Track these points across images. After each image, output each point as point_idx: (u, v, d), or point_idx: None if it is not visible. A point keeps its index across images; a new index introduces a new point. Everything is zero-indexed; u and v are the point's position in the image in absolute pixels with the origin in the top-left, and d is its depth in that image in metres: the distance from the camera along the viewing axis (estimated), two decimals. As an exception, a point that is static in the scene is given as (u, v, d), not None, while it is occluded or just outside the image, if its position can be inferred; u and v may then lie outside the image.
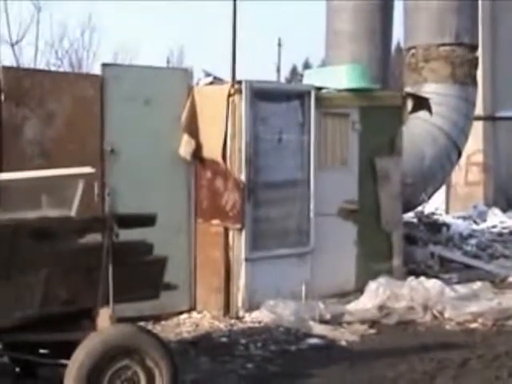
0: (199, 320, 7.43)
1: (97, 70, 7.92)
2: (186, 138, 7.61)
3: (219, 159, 7.54)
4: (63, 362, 4.63)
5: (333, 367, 5.97)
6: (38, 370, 5.35)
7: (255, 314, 7.37)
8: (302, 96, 7.96)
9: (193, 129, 7.64)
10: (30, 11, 21.66)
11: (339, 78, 8.49)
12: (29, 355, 4.97)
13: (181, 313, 7.57)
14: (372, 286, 7.79)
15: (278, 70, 38.28)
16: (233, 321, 7.36)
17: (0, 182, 5.05)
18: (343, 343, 6.72)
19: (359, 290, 8.00)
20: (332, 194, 8.13)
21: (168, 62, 32.19)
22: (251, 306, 7.48)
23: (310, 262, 7.98)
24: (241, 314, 7.46)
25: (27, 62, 19.93)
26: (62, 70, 18.93)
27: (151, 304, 5.91)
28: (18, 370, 5.34)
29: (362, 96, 8.42)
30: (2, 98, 6.60)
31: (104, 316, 4.75)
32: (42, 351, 5.09)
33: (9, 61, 17.62)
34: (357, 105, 8.39)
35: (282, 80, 35.58)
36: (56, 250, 4.61)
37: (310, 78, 8.96)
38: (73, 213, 4.92)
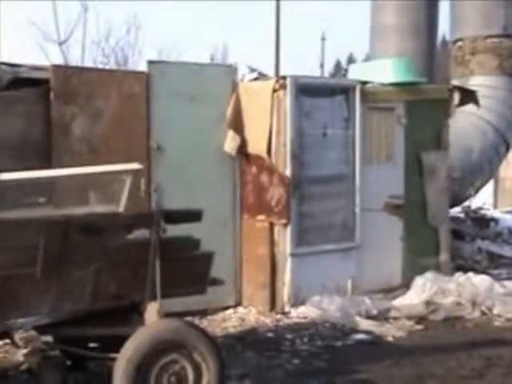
0: (245, 315, 7.46)
1: (142, 67, 7.98)
2: (231, 133, 7.63)
3: (264, 155, 7.55)
4: (112, 355, 4.69)
5: (379, 363, 5.93)
6: (87, 363, 5.44)
7: (301, 310, 7.37)
8: (346, 90, 7.92)
9: (238, 124, 7.65)
10: (78, 10, 21.91)
11: (385, 71, 8.42)
12: (79, 349, 5.06)
13: (227, 308, 7.61)
14: (419, 281, 7.73)
15: (322, 65, 38.13)
16: (278, 316, 7.37)
17: (50, 178, 5.13)
18: (390, 339, 6.69)
19: (405, 286, 7.95)
20: (377, 188, 8.08)
21: (212, 58, 32.28)
22: (297, 302, 7.48)
23: (355, 258, 7.95)
24: (286, 309, 7.46)
25: (74, 60, 20.17)
26: (108, 67, 19.08)
27: (198, 299, 5.94)
28: (68, 362, 5.45)
29: (407, 90, 8.35)
30: (52, 96, 6.70)
31: (152, 311, 4.81)
32: (91, 345, 5.17)
33: (57, 59, 17.85)
34: (402, 99, 8.32)
35: (326, 75, 35.44)
36: (105, 245, 4.67)
37: (355, 73, 8.91)
38: (121, 209, 4.98)
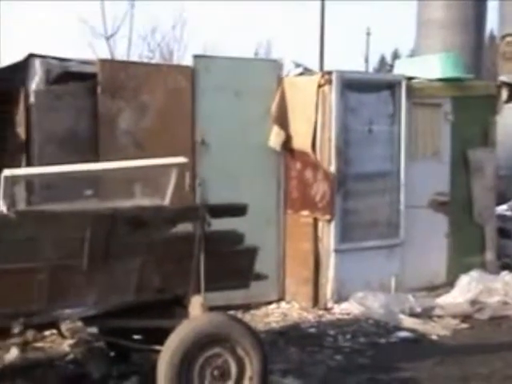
0: (288, 310, 7.46)
1: (187, 62, 8.01)
2: (275, 128, 7.62)
3: (309, 150, 7.52)
4: (156, 348, 4.73)
5: (423, 361, 5.87)
6: (131, 355, 5.50)
7: (344, 306, 7.34)
8: (392, 86, 7.85)
9: (283, 120, 7.64)
10: (125, 6, 22.15)
11: (431, 67, 8.33)
12: (123, 340, 5.11)
13: (269, 303, 7.61)
14: (464, 279, 7.64)
15: (367, 60, 37.89)
16: (321, 312, 7.35)
17: (97, 171, 5.18)
18: (434, 337, 6.62)
19: (450, 284, 7.86)
20: (423, 185, 8.01)
21: (256, 54, 32.31)
22: (340, 298, 7.46)
23: (399, 255, 7.89)
24: (329, 305, 7.44)
25: (121, 54, 20.38)
26: (154, 62, 19.23)
27: (241, 293, 5.98)
28: (112, 354, 5.52)
29: (454, 86, 8.24)
30: (99, 90, 6.77)
31: (196, 304, 4.83)
32: (135, 337, 5.22)
33: (103, 54, 18.06)
34: (449, 95, 8.22)
35: (370, 70, 35.16)
36: (150, 238, 4.70)
37: (401, 68, 8.82)
38: (166, 202, 5.01)
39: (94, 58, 7.14)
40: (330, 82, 7.41)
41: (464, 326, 6.99)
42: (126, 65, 7.45)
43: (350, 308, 7.29)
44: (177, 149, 6.76)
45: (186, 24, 25.70)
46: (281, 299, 7.75)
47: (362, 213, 7.72)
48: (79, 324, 4.94)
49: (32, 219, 4.35)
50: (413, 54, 15.27)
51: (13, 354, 5.62)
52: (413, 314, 7.11)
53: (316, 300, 7.54)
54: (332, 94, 7.40)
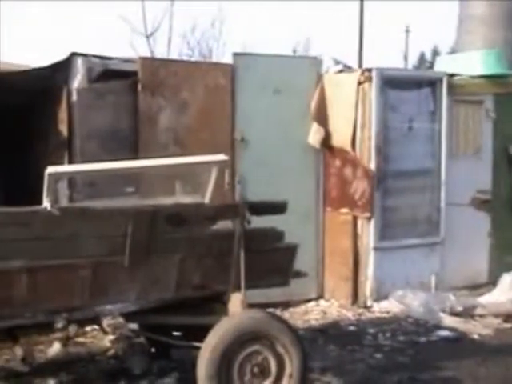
0: (327, 308, 7.45)
1: (226, 59, 8.02)
2: (315, 126, 7.61)
3: (348, 148, 7.49)
4: (196, 344, 4.75)
5: (465, 361, 5.82)
6: (171, 351, 5.53)
7: (383, 304, 7.31)
8: (433, 83, 7.78)
9: (322, 117, 7.62)
10: (164, 4, 22.29)
11: (473, 63, 8.23)
12: (163, 337, 5.14)
13: (309, 300, 7.61)
14: (506, 278, 7.53)
15: (406, 57, 37.55)
16: (361, 310, 7.33)
17: (138, 168, 5.22)
18: (475, 337, 6.55)
19: (491, 283, 7.78)
20: (464, 183, 7.92)
21: (294, 52, 32.22)
22: (379, 296, 7.42)
23: (440, 253, 7.82)
24: (369, 303, 7.41)
25: (160, 52, 20.50)
26: (193, 59, 19.30)
27: (280, 291, 5.96)
28: (153, 350, 5.56)
29: (497, 82, 8.13)
30: (140, 87, 6.83)
31: (235, 301, 4.84)
32: (175, 333, 5.25)
33: (143, 52, 18.17)
34: (491, 91, 8.12)
35: (410, 67, 34.84)
36: (190, 235, 4.72)
37: (442, 65, 8.74)
38: (206, 200, 5.02)
39: (134, 56, 7.16)
40: (369, 79, 7.37)
41: (506, 325, 6.91)
42: (167, 62, 7.48)
43: (389, 306, 7.25)
44: (216, 146, 6.79)
45: (225, 22, 25.73)
46: (320, 297, 7.75)
47: (401, 210, 7.67)
48: (120, 320, 5.00)
49: (75, 216, 4.39)
50: (453, 51, 15.08)
51: (55, 348, 5.71)
52: (453, 313, 7.04)
53: (355, 298, 7.52)
54: (372, 91, 7.36)
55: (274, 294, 6.30)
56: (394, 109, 7.55)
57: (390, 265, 7.50)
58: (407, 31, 38.28)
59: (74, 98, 6.66)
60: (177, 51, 23.32)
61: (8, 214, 4.23)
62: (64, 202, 5.94)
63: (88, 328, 5.99)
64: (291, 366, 4.62)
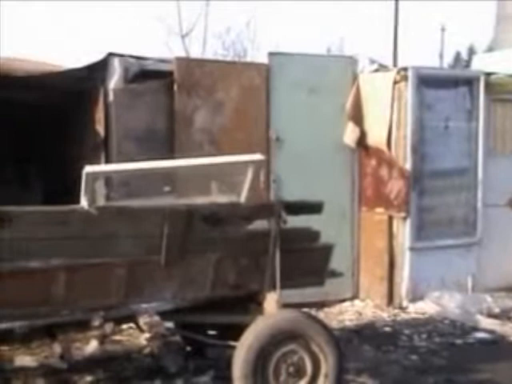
0: (362, 308, 7.42)
1: (260, 59, 8.02)
2: (350, 125, 7.58)
3: (384, 147, 7.45)
4: (231, 343, 4.76)
5: (502, 363, 5.75)
6: (206, 349, 5.55)
7: (419, 305, 7.26)
8: (470, 82, 7.70)
9: (357, 116, 7.59)
10: (200, 4, 22.38)
11: (511, 62, 8.13)
12: (199, 335, 5.17)
13: (343, 300, 7.58)
14: (544, 280, 7.44)
15: (441, 56, 37.17)
16: (396, 311, 7.29)
17: (174, 168, 5.24)
18: (513, 339, 6.49)
19: (529, 285, 7.68)
20: (501, 183, 7.85)
21: (328, 51, 32.09)
22: (415, 297, 7.38)
23: (476, 254, 7.75)
24: (404, 304, 7.37)
25: (195, 53, 20.58)
26: (228, 59, 19.34)
27: (315, 290, 5.95)
28: (188, 348, 5.59)
29: (535, 81, 8.02)
30: (175, 87, 6.86)
31: (271, 301, 4.84)
32: (210, 332, 5.27)
33: (179, 52, 18.24)
34: (530, 90, 8.01)
35: (445, 66, 34.51)
36: (226, 235, 4.73)
37: (479, 63, 8.65)
38: (242, 199, 5.02)
39: (170, 57, 7.19)
40: (405, 78, 7.33)
41: (545, 328, 6.82)
42: (202, 62, 7.50)
43: (425, 307, 7.21)
44: (251, 146, 6.80)
45: (259, 23, 25.78)
46: (355, 297, 7.72)
47: (437, 210, 7.61)
48: (156, 318, 5.02)
49: (112, 215, 4.41)
50: (490, 50, 14.92)
51: (92, 346, 5.77)
52: (491, 315, 6.98)
53: (390, 298, 7.47)
54: (408, 90, 7.31)
55: (309, 293, 6.28)
56: (430, 108, 7.50)
57: (425, 265, 7.44)
58: (443, 30, 37.88)
59: (111, 98, 6.72)
60: (212, 51, 23.39)
61: (47, 212, 4.27)
62: (101, 201, 5.98)
63: (124, 326, 6.04)
64: (326, 366, 4.62)
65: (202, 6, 23.23)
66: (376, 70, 7.90)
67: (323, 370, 4.62)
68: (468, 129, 7.71)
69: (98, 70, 6.76)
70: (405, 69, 7.43)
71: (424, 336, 6.48)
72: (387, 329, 6.73)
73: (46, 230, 4.22)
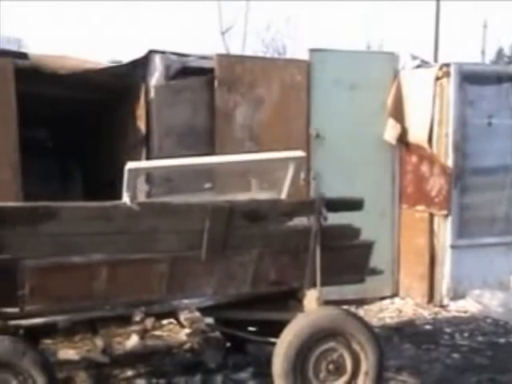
0: (402, 306, 7.37)
1: (300, 56, 8.00)
2: (391, 122, 7.53)
3: (425, 144, 7.38)
4: (271, 340, 4.77)
5: (547, 363, 5.68)
6: (246, 346, 5.57)
7: (460, 303, 7.19)
8: (514, 78, 7.60)
9: (398, 113, 7.53)
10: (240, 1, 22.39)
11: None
12: (239, 331, 5.18)
13: (383, 298, 7.54)
14: None
15: (483, 52, 36.70)
16: (437, 309, 7.23)
17: (215, 164, 5.26)
18: (558, 339, 6.39)
19: None
20: (546, 180, 7.72)
21: (368, 47, 31.89)
22: (456, 295, 7.30)
23: (519, 252, 7.64)
24: (445, 302, 7.30)
25: (236, 49, 20.58)
26: (268, 56, 19.35)
27: (354, 288, 5.94)
28: (228, 344, 5.61)
29: None
30: (216, 84, 6.88)
31: (311, 298, 4.83)
32: (250, 328, 5.28)
33: (219, 49, 18.25)
34: None
35: (487, 63, 34.08)
36: (267, 231, 4.73)
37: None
38: (283, 196, 5.02)
39: (211, 53, 7.21)
40: (448, 74, 7.25)
41: None
42: (243, 59, 7.51)
43: (466, 306, 7.13)
44: (291, 142, 6.80)
45: (299, 19, 25.74)
46: (395, 295, 7.68)
47: (479, 208, 7.52)
48: (197, 314, 5.05)
49: (154, 211, 4.44)
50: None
51: (133, 340, 5.84)
52: (534, 314, 6.87)
53: (431, 296, 7.41)
54: (450, 86, 7.23)
55: (348, 291, 6.28)
56: (472, 104, 7.40)
57: (467, 263, 7.36)
58: (485, 26, 37.39)
59: (152, 94, 6.76)
60: (251, 48, 23.40)
61: (90, 208, 4.32)
62: (142, 197, 6.04)
63: (165, 321, 6.09)
64: (367, 364, 4.60)
65: (243, 2, 23.26)
66: (418, 67, 7.83)
67: (363, 367, 4.62)
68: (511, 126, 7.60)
69: (139, 67, 6.81)
70: (447, 65, 7.34)
71: (466, 334, 6.42)
72: (428, 327, 6.68)
73: (89, 225, 4.26)
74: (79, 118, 8.66)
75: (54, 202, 4.22)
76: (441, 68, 7.35)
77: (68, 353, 5.58)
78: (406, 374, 5.38)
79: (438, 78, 7.31)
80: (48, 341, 5.54)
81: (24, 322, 4.36)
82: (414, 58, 8.08)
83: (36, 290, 4.19)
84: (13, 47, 7.07)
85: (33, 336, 4.62)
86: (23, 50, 7.07)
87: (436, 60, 19.04)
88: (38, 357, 4.18)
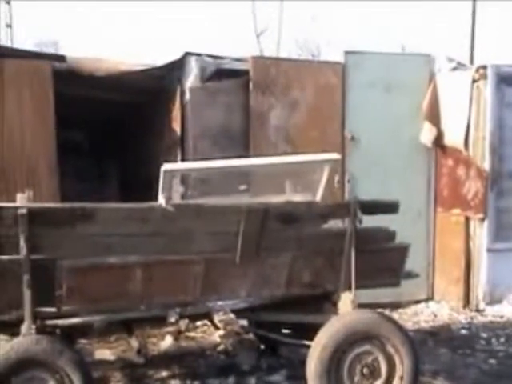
0: (437, 310, 7.30)
1: (333, 58, 7.98)
2: (427, 124, 7.47)
3: (461, 147, 7.31)
4: (305, 342, 4.76)
5: None
6: (279, 348, 5.56)
7: (497, 308, 7.11)
8: (553, 79, 7.48)
9: (434, 115, 7.47)
10: (275, 3, 22.44)
11: None
12: (272, 334, 5.17)
13: (418, 302, 7.48)
14: None
15: (521, 53, 36.21)
16: (473, 313, 7.15)
17: (250, 166, 5.26)
18: None
19: None
20: None
21: (403, 49, 31.64)
22: (492, 299, 7.22)
23: (557, 257, 7.52)
24: (481, 306, 7.22)
25: (270, 51, 20.62)
26: (302, 58, 19.36)
27: (388, 291, 5.87)
28: (262, 347, 5.61)
29: None
30: (251, 86, 6.89)
31: (345, 301, 4.80)
32: (284, 331, 5.27)
33: (253, 51, 18.31)
34: None
35: (525, 63, 33.59)
36: (301, 233, 4.72)
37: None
38: (318, 198, 5.01)
39: (245, 55, 7.22)
40: (485, 76, 7.17)
41: None
42: (278, 61, 7.50)
43: (503, 310, 7.05)
44: (326, 145, 6.78)
45: (333, 21, 25.69)
46: (429, 298, 7.61)
47: (517, 212, 7.42)
48: (231, 316, 5.06)
49: (189, 212, 4.46)
50: None
51: (167, 341, 5.87)
52: None
53: (467, 301, 7.33)
54: (487, 88, 7.16)
55: (382, 294, 6.20)
56: (510, 107, 7.31)
57: (503, 267, 7.26)
58: (523, 26, 36.88)
59: (188, 96, 6.79)
60: (286, 50, 23.42)
61: (127, 209, 4.34)
62: (177, 198, 6.06)
63: (198, 323, 6.10)
64: (402, 368, 4.58)
65: (277, 4, 23.29)
66: (454, 69, 7.76)
67: (398, 371, 4.59)
68: (549, 128, 7.49)
69: (175, 69, 6.86)
70: (484, 67, 7.26)
71: (502, 340, 6.34)
72: (464, 331, 6.61)
73: (126, 226, 4.29)
74: (115, 120, 8.74)
75: (91, 203, 4.25)
76: (477, 70, 7.28)
77: (104, 353, 5.62)
78: (441, 378, 5.34)
79: (474, 81, 7.24)
80: (84, 341, 5.58)
81: (61, 322, 4.41)
82: (450, 60, 8.00)
83: (73, 290, 4.24)
84: (50, 50, 7.12)
85: (69, 336, 4.67)
86: (60, 52, 7.12)
87: (472, 62, 18.84)
88: (75, 356, 4.21)
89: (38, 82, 6.25)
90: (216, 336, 5.85)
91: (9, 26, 11.81)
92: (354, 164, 7.23)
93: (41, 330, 4.24)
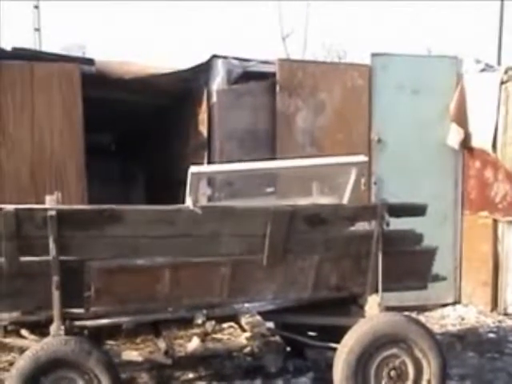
0: (465, 314, 7.25)
1: (359, 60, 7.96)
2: (454, 126, 7.43)
3: (489, 149, 7.26)
4: (332, 345, 4.75)
5: None
6: (306, 350, 5.56)
7: (525, 312, 7.05)
8: None
9: (461, 118, 7.42)
10: (301, 5, 22.43)
11: None
12: (299, 336, 5.17)
13: (445, 305, 7.44)
14: None
15: (549, 55, 35.85)
16: (501, 317, 7.09)
17: (277, 169, 5.27)
18: None
19: None
20: None
21: (429, 51, 31.46)
22: (521, 303, 7.16)
23: None
24: (509, 310, 7.17)
25: (296, 53, 20.58)
26: (329, 60, 19.31)
27: (415, 294, 5.89)
28: (288, 349, 5.60)
29: None
30: (277, 89, 6.90)
31: (372, 303, 4.80)
32: (310, 333, 5.26)
33: (279, 53, 18.27)
34: None
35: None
36: (328, 236, 4.71)
37: None
38: (345, 201, 5.00)
39: (272, 58, 7.24)
40: (513, 78, 7.12)
41: None
42: (304, 64, 7.51)
43: (531, 314, 6.99)
44: (353, 147, 6.79)
45: (358, 23, 25.59)
46: (457, 302, 7.56)
47: (545, 215, 7.34)
48: (258, 318, 5.07)
49: (216, 215, 4.47)
50: None
51: (194, 343, 5.88)
52: None
53: (495, 304, 7.27)
54: (516, 90, 7.10)
55: (409, 297, 6.21)
56: (538, 109, 7.25)
57: (532, 271, 7.20)
58: (550, 28, 36.53)
59: (214, 99, 6.82)
60: (312, 51, 23.38)
61: (154, 211, 4.36)
62: (204, 200, 6.08)
63: (225, 325, 6.11)
64: (429, 372, 4.56)
65: (303, 7, 23.27)
66: (482, 71, 7.71)
67: (425, 375, 4.57)
68: None
69: (202, 72, 6.89)
70: (512, 68, 7.22)
71: (531, 344, 6.30)
72: (491, 335, 6.56)
73: (153, 228, 4.31)
74: (142, 122, 8.79)
75: (119, 205, 4.28)
76: (506, 72, 7.23)
77: (131, 354, 5.65)
78: (469, 383, 5.30)
79: (502, 82, 7.19)
80: (111, 342, 5.62)
81: (89, 323, 4.45)
82: (478, 61, 7.95)
83: (101, 292, 4.27)
84: (77, 53, 7.19)
85: (97, 337, 4.70)
86: (88, 55, 7.18)
87: (499, 63, 18.69)
88: (103, 357, 4.24)
89: (66, 85, 6.31)
90: (242, 338, 5.87)
91: (37, 29, 11.94)
92: (380, 166, 7.22)
93: (69, 331, 4.28)
